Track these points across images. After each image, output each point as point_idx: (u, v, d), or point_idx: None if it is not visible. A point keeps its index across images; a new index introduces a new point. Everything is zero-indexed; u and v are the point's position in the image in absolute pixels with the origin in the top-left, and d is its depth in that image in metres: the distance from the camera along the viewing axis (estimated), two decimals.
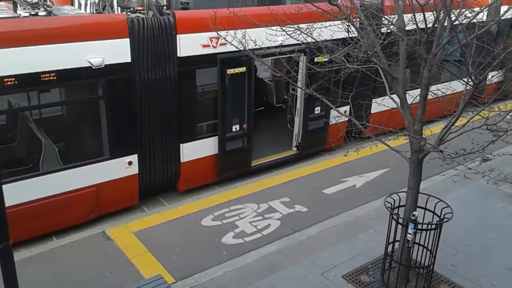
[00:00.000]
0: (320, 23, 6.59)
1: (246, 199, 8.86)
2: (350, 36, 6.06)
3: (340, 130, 9.21)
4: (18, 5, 8.13)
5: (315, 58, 8.22)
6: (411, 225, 5.96)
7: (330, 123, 10.02)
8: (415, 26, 5.61)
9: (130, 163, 8.21)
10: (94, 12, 8.77)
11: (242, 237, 7.72)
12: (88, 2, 9.15)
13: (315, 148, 10.68)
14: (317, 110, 10.16)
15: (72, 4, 9.89)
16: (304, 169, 10.19)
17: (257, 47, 6.61)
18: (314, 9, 6.14)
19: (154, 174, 8.69)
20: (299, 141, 10.47)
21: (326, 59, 8.77)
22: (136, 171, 8.37)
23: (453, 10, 5.30)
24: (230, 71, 8.77)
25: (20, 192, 7.15)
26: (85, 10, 9.03)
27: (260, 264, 7.05)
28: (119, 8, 8.78)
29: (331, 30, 7.00)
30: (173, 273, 6.81)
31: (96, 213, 8.15)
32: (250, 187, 9.32)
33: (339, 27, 6.59)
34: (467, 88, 5.40)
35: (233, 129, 9.29)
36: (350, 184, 9.58)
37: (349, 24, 5.91)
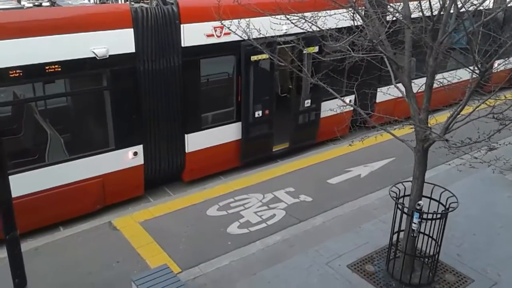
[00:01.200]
0: (325, 12, 6.53)
1: (251, 189, 8.87)
2: (355, 24, 6.01)
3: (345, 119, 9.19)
4: None
5: (304, 50, 8.15)
6: (416, 215, 5.95)
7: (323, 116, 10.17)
8: (420, 14, 5.55)
9: (135, 153, 8.24)
10: (98, 2, 8.75)
11: (247, 227, 7.74)
12: None
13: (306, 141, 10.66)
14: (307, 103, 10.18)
15: None
16: (308, 159, 10.18)
17: (261, 36, 6.57)
18: None
19: (159, 164, 8.72)
20: None
21: (315, 50, 8.76)
22: (142, 162, 8.40)
23: None
24: (253, 57, 8.80)
25: (27, 183, 7.20)
26: (89, 0, 9.01)
27: (265, 254, 7.08)
28: None
29: (335, 19, 6.93)
30: (179, 262, 6.85)
31: (102, 204, 8.20)
32: (255, 177, 9.33)
33: (344, 16, 6.53)
34: (473, 76, 5.35)
35: (256, 115, 9.39)
36: (355, 173, 9.57)
37: (354, 12, 5.85)
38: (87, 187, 7.86)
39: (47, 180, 7.44)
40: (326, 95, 8.75)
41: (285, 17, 6.11)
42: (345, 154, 9.85)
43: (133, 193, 8.64)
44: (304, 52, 8.48)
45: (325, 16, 6.48)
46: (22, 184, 7.02)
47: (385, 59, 5.97)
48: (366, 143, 6.66)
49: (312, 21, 6.10)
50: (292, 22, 6.06)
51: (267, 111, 9.59)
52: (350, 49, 5.93)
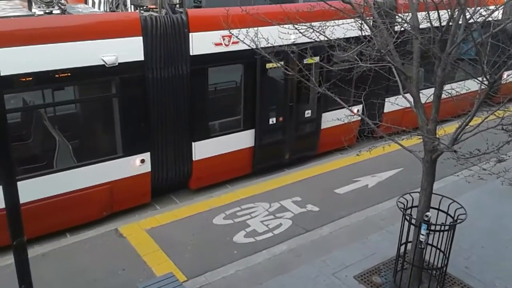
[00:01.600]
0: (333, 21, 6.54)
1: (258, 198, 8.85)
2: (363, 34, 6.02)
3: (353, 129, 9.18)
4: (33, 3, 8.23)
5: (305, 60, 8.15)
6: (424, 226, 5.90)
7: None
8: (429, 25, 5.55)
9: (142, 161, 8.25)
10: (108, 10, 8.84)
11: (254, 236, 7.72)
12: (102, 1, 9.22)
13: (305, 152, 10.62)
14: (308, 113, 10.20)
15: (85, 2, 9.98)
16: (316, 168, 10.15)
17: (269, 45, 6.60)
18: (327, 7, 6.10)
19: (166, 172, 8.73)
20: None
21: (315, 61, 8.77)
22: (149, 169, 8.42)
23: (468, 8, 5.23)
24: (269, 65, 8.84)
25: (35, 189, 7.24)
26: (99, 8, 9.11)
27: (271, 264, 7.05)
28: (132, 6, 8.82)
29: (344, 28, 6.95)
30: (184, 271, 6.83)
31: (108, 211, 8.21)
32: (261, 186, 9.31)
33: (352, 25, 6.54)
34: (482, 87, 5.32)
35: (270, 122, 9.51)
36: (362, 184, 9.52)
37: (362, 22, 5.86)
38: (94, 194, 7.89)
39: (55, 186, 7.48)
40: (334, 104, 8.74)
41: (293, 26, 6.12)
42: (352, 164, 9.82)
43: (140, 201, 8.65)
44: (305, 61, 8.46)
45: (333, 26, 6.49)
46: (30, 190, 7.05)
47: (393, 69, 5.96)
48: (374, 153, 6.62)
49: (320, 30, 6.11)
50: (300, 32, 6.08)
51: (280, 118, 9.67)
52: (358, 59, 5.93)
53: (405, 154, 6.14)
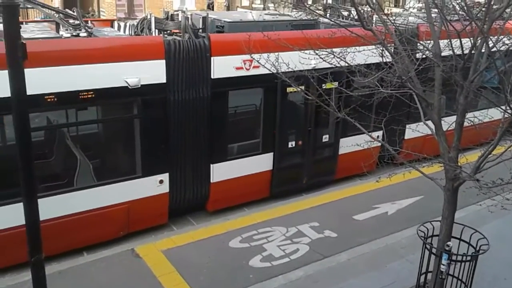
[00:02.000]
0: (353, 48, 6.57)
1: (275, 222, 8.78)
2: (384, 61, 6.02)
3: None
4: (61, 26, 8.49)
5: (323, 85, 8.18)
6: (445, 256, 5.77)
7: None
8: (451, 52, 5.53)
9: (161, 181, 8.30)
10: (133, 34, 9.08)
11: (270, 261, 7.64)
12: (127, 25, 9.46)
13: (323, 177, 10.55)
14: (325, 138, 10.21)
15: (111, 26, 10.25)
16: (334, 193, 10.05)
17: (289, 69, 6.65)
18: (348, 33, 6.14)
19: (184, 193, 8.76)
20: None
21: (335, 86, 8.80)
22: (167, 190, 8.46)
23: (491, 37, 5.20)
24: (289, 89, 8.93)
25: (56, 206, 7.32)
26: (124, 32, 9.35)
27: None
28: (156, 30, 9.03)
29: (364, 55, 6.97)
30: None
31: (125, 230, 8.25)
32: (279, 210, 9.25)
33: (373, 52, 6.56)
34: (505, 116, 5.25)
35: (289, 145, 9.55)
36: (382, 210, 9.39)
37: (383, 49, 5.87)
38: (113, 213, 7.94)
39: (75, 204, 7.56)
40: (353, 130, 8.70)
41: (314, 52, 6.16)
42: (371, 190, 9.69)
43: (157, 221, 8.67)
44: (324, 86, 8.48)
45: (353, 52, 6.52)
46: (51, 207, 7.14)
47: (415, 96, 5.93)
48: (394, 180, 6.53)
49: (341, 56, 6.14)
50: (320, 57, 6.12)
51: (300, 142, 9.69)
52: (378, 85, 5.92)
53: (426, 181, 6.04)
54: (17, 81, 3.96)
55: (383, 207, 9.48)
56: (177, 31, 9.07)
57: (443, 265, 5.80)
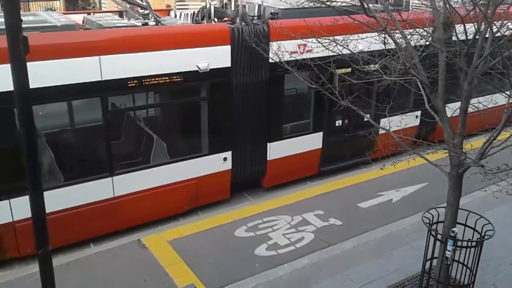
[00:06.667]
0: (356, 35, 6.52)
1: (280, 210, 8.81)
2: (387, 48, 5.96)
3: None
4: (124, 15, 8.84)
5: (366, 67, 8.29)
6: (450, 242, 5.78)
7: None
8: (455, 38, 5.48)
9: (225, 159, 8.91)
10: (194, 22, 9.40)
11: (275, 249, 7.68)
12: (183, 14, 9.89)
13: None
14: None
15: (169, 15, 10.75)
16: (339, 182, 10.07)
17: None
18: (350, 20, 6.08)
19: (244, 170, 9.34)
20: None
21: (348, 71, 8.86)
22: (230, 167, 9.06)
23: (495, 22, 5.14)
24: (338, 71, 9.00)
25: (134, 181, 8.02)
26: (183, 20, 9.70)
27: (293, 278, 6.99)
28: (215, 18, 9.39)
29: (367, 42, 6.92)
30: (206, 283, 6.83)
31: (190, 205, 8.85)
32: (283, 199, 9.28)
33: (375, 39, 6.49)
34: (510, 101, 5.21)
35: (337, 124, 10.13)
36: (386, 198, 9.39)
37: (386, 36, 5.81)
38: (184, 188, 8.58)
39: (150, 180, 8.19)
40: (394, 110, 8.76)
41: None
42: (376, 178, 9.71)
43: (220, 196, 9.28)
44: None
45: (357, 40, 6.47)
46: (133, 182, 7.98)
47: (418, 83, 5.89)
48: (398, 167, 6.53)
49: (344, 44, 6.11)
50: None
51: (346, 121, 10.19)
52: (382, 72, 5.88)
53: (430, 168, 6.04)
54: (20, 75, 3.93)
55: (388, 195, 9.48)
56: (227, 18, 9.52)
57: (449, 251, 5.81)
